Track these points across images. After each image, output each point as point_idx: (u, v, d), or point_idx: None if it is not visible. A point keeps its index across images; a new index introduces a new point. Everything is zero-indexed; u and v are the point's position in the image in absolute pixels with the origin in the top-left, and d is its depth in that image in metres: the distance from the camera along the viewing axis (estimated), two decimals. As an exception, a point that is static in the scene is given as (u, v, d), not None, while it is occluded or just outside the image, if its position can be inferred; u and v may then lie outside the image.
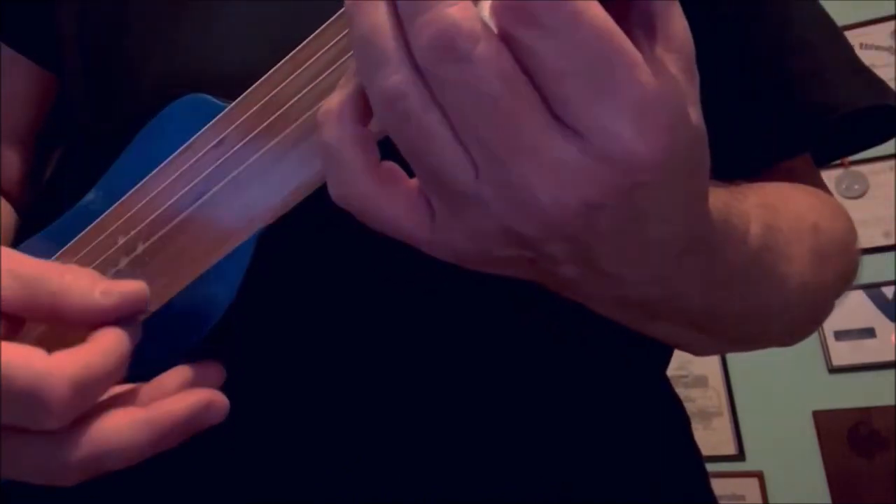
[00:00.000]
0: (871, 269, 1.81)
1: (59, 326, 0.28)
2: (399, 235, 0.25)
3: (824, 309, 0.42)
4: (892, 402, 1.78)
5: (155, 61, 0.40)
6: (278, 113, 0.31)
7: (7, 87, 0.47)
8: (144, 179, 0.34)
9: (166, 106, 0.36)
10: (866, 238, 1.83)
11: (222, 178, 0.32)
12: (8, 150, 0.49)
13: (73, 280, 0.27)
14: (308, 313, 0.36)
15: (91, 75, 0.43)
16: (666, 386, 0.46)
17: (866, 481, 1.77)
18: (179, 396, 0.28)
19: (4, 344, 0.24)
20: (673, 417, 0.45)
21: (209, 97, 0.34)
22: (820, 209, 0.41)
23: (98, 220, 0.35)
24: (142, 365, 0.29)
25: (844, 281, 0.42)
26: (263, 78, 0.31)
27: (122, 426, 0.26)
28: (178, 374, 0.30)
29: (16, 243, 0.43)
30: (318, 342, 0.36)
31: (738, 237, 0.31)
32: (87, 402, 0.26)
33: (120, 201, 0.35)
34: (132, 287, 0.28)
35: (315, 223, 0.33)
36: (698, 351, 0.39)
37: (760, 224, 0.32)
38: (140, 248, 0.33)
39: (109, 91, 0.41)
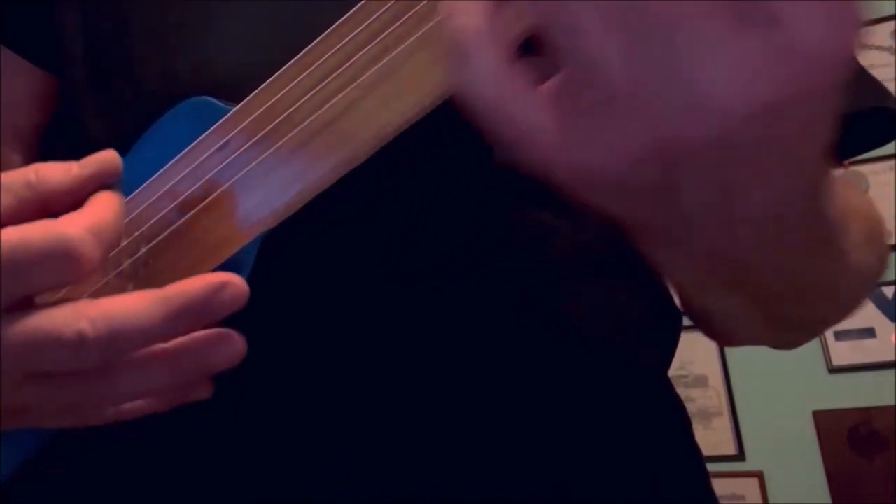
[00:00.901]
0: (871, 269, 1.80)
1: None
2: (526, 146, 0.22)
3: (863, 296, 0.42)
4: (892, 402, 1.78)
5: (156, 63, 0.40)
6: (283, 115, 0.31)
7: (8, 89, 0.48)
8: (148, 182, 0.34)
9: (168, 107, 0.36)
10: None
11: (226, 181, 0.31)
12: (10, 152, 0.49)
13: (47, 167, 0.29)
14: (310, 315, 0.37)
15: (92, 77, 0.43)
16: (667, 386, 0.46)
17: (866, 481, 1.77)
18: (194, 277, 0.27)
19: (9, 227, 0.25)
20: (674, 418, 0.45)
21: (212, 100, 0.34)
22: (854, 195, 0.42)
23: None
24: None
25: (882, 267, 0.42)
26: (269, 80, 0.31)
27: (133, 301, 0.26)
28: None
29: None
30: (321, 344, 0.36)
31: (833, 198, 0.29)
32: (107, 248, 0.26)
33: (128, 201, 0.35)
34: (104, 154, 0.30)
35: (317, 226, 0.33)
36: (741, 334, 0.39)
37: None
38: (143, 250, 0.33)
39: (111, 93, 0.42)
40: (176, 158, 0.33)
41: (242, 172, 0.31)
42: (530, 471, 0.37)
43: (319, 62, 0.30)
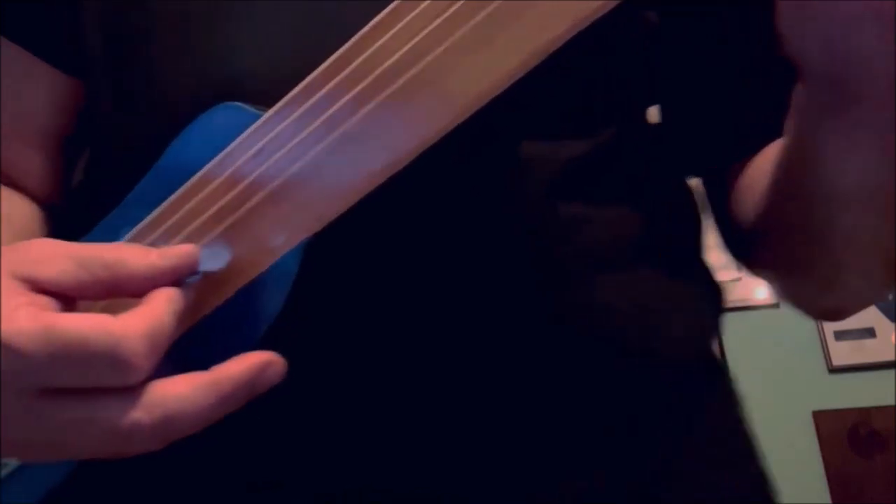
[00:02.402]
0: (872, 269, 1.80)
1: (110, 303, 0.29)
2: None
3: None
4: (892, 402, 1.78)
5: (180, 67, 0.40)
6: (321, 119, 0.31)
7: (31, 94, 0.47)
8: (181, 189, 0.34)
9: (190, 110, 0.35)
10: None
11: (265, 187, 0.31)
12: (34, 156, 0.49)
13: (127, 250, 0.29)
14: (353, 318, 0.37)
15: (115, 81, 0.43)
16: (713, 373, 0.45)
17: (866, 481, 1.77)
18: (239, 359, 0.28)
19: (72, 315, 0.26)
20: (721, 404, 0.45)
21: (242, 105, 0.34)
22: None
23: (136, 228, 0.35)
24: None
25: None
26: (324, 64, 0.31)
27: (188, 390, 0.27)
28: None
29: None
30: (363, 345, 0.37)
31: None
32: (158, 353, 0.27)
33: (157, 212, 0.34)
34: (184, 248, 0.30)
35: (357, 232, 0.33)
36: (839, 276, 0.39)
37: None
38: None
39: (135, 97, 0.41)
40: (209, 164, 0.33)
41: (275, 183, 0.31)
42: (571, 462, 0.37)
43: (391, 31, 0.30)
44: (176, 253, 0.30)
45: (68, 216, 0.47)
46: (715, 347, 0.46)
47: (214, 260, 0.33)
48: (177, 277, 0.29)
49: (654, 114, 0.49)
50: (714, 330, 0.45)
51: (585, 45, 0.29)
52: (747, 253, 0.47)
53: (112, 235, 0.35)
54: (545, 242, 0.38)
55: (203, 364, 0.29)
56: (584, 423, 0.38)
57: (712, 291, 0.45)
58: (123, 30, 0.43)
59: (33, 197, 0.48)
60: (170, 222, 0.33)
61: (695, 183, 0.50)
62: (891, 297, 1.82)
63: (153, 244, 0.33)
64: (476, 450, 0.36)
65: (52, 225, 0.48)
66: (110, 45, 0.43)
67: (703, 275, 0.45)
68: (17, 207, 0.46)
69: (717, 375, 0.45)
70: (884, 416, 1.79)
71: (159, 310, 0.27)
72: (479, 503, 0.36)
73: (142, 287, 0.28)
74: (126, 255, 0.29)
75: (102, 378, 0.26)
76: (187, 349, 0.30)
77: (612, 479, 0.37)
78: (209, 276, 0.32)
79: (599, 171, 0.40)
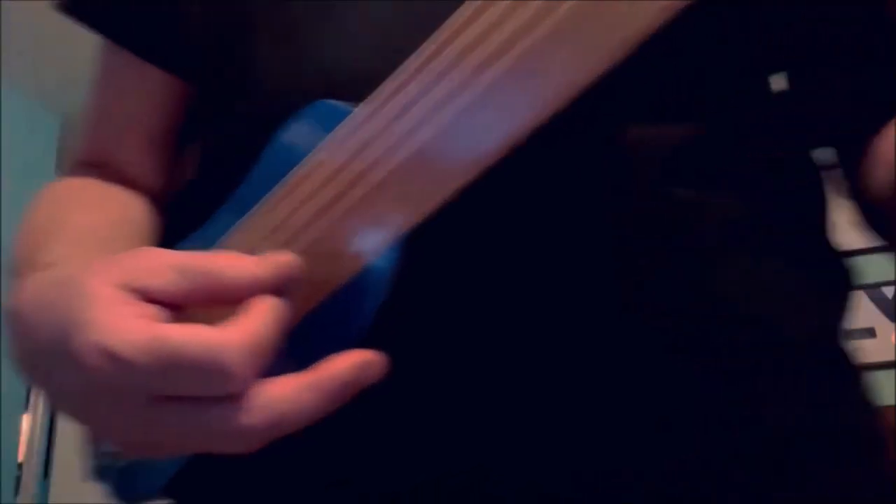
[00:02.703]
0: (872, 269, 1.81)
1: (213, 310, 0.29)
2: None
3: None
4: (892, 402, 1.79)
5: (281, 63, 0.40)
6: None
7: (137, 97, 0.49)
8: (281, 186, 0.34)
9: (294, 109, 0.36)
10: (866, 238, 1.84)
11: (360, 184, 0.31)
12: (149, 155, 0.50)
13: (226, 259, 0.29)
14: (449, 312, 0.36)
15: (215, 79, 0.44)
16: (839, 356, 0.42)
17: (868, 481, 1.77)
18: (340, 358, 0.28)
19: (177, 326, 0.27)
20: (846, 387, 0.42)
21: (336, 103, 0.34)
22: None
23: (238, 228, 0.35)
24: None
25: None
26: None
27: (292, 392, 0.27)
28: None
29: (162, 244, 0.45)
30: (457, 339, 0.36)
31: None
32: (260, 364, 0.27)
33: (258, 210, 0.35)
34: (284, 257, 0.30)
35: (456, 223, 0.32)
36: None
37: None
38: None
39: (237, 94, 0.42)
40: (304, 162, 0.33)
41: (366, 187, 0.30)
42: (687, 458, 0.36)
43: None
44: (274, 262, 0.30)
45: (181, 211, 0.48)
46: (843, 334, 0.43)
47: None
48: (275, 286, 0.30)
49: (779, 82, 0.46)
50: (842, 315, 0.43)
51: (694, 18, 0.27)
52: (887, 229, 0.45)
53: (218, 234, 0.36)
54: (657, 229, 0.37)
55: (304, 360, 0.29)
56: (705, 415, 0.36)
57: (840, 273, 0.43)
58: (224, 29, 0.43)
59: (149, 193, 0.50)
60: (271, 221, 0.34)
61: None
62: (891, 296, 1.83)
63: (256, 244, 0.34)
64: (578, 447, 0.35)
65: (166, 219, 0.49)
66: (212, 45, 0.44)
67: (830, 256, 0.43)
68: (132, 208, 0.47)
69: (845, 365, 0.43)
70: (884, 417, 1.80)
71: (259, 320, 0.28)
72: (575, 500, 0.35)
73: (243, 295, 0.29)
74: (227, 264, 0.29)
75: (206, 388, 0.27)
76: (289, 345, 0.30)
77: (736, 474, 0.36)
78: (311, 276, 0.32)
79: (714, 153, 0.38)
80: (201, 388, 0.27)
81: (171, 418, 0.27)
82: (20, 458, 2.91)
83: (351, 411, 0.29)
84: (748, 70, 0.41)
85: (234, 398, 0.27)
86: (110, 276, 0.29)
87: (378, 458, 0.37)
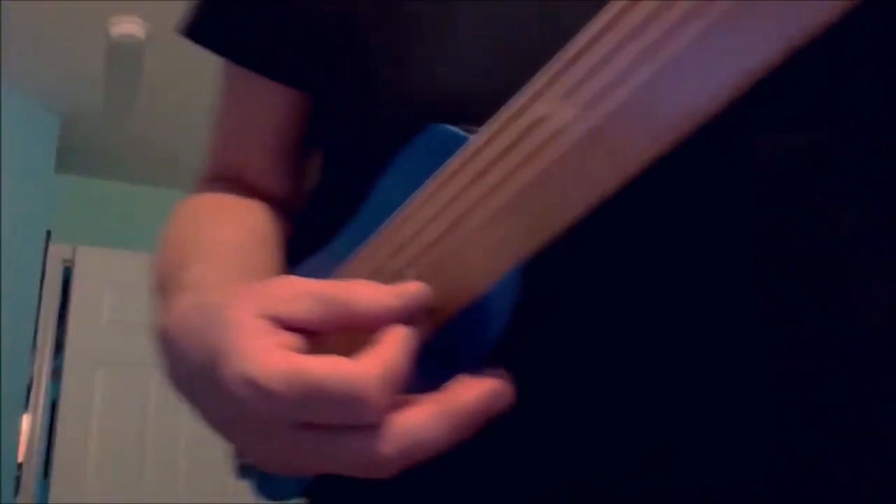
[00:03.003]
0: None
1: (349, 337, 0.31)
2: None
3: None
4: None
5: (392, 81, 0.41)
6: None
7: (260, 114, 0.51)
8: (404, 209, 0.35)
9: (409, 125, 0.36)
10: None
11: (480, 209, 0.31)
12: (276, 166, 0.53)
13: (361, 289, 0.30)
14: (578, 330, 0.37)
15: (332, 90, 0.45)
16: None
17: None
18: (471, 386, 0.29)
19: (316, 358, 0.28)
20: None
21: (452, 128, 0.34)
22: None
23: (363, 250, 0.36)
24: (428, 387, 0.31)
25: None
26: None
27: (425, 421, 0.28)
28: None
29: (291, 254, 0.47)
30: (587, 355, 0.36)
31: None
32: (393, 393, 0.28)
33: (382, 232, 0.36)
34: (415, 287, 0.31)
35: (582, 238, 0.32)
36: None
37: None
38: (410, 275, 0.34)
39: (353, 106, 0.43)
40: (428, 183, 0.33)
41: (483, 214, 0.31)
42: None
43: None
44: (406, 293, 0.31)
45: (308, 219, 0.51)
46: None
47: None
48: (408, 318, 0.31)
49: None
50: None
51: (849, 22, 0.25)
52: None
53: (344, 252, 0.38)
54: (789, 239, 0.36)
55: (431, 380, 0.30)
56: (851, 429, 0.35)
57: None
58: (338, 41, 0.44)
59: (279, 201, 0.52)
60: (395, 241, 0.35)
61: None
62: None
63: (382, 262, 0.35)
64: (713, 466, 0.35)
65: (295, 227, 0.52)
66: (328, 57, 0.45)
67: None
68: (264, 218, 0.49)
69: None
70: None
71: (392, 351, 0.29)
72: None
73: (376, 324, 0.30)
74: (361, 294, 0.30)
75: (343, 417, 0.28)
76: (421, 361, 0.31)
77: None
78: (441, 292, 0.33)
79: (849, 160, 0.37)
80: (338, 417, 0.28)
81: (310, 445, 0.29)
82: (20, 458, 2.90)
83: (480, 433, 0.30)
84: (884, 75, 0.39)
85: (369, 427, 0.28)
86: (252, 306, 0.30)
87: (497, 484, 0.38)
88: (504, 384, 0.30)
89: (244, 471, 0.47)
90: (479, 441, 0.32)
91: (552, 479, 0.36)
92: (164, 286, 0.42)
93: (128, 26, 2.34)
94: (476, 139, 0.31)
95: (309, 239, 0.45)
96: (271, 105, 0.51)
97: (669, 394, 0.35)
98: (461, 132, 0.34)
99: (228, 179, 0.54)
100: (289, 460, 0.30)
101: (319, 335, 0.31)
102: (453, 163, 0.32)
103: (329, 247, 0.42)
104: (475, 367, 0.31)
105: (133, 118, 2.97)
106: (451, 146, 0.32)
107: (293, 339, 0.29)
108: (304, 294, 0.30)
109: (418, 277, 0.33)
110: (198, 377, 0.32)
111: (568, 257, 0.33)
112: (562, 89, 0.28)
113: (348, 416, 0.28)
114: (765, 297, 0.35)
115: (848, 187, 0.37)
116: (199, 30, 0.50)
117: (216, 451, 3.29)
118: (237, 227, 0.47)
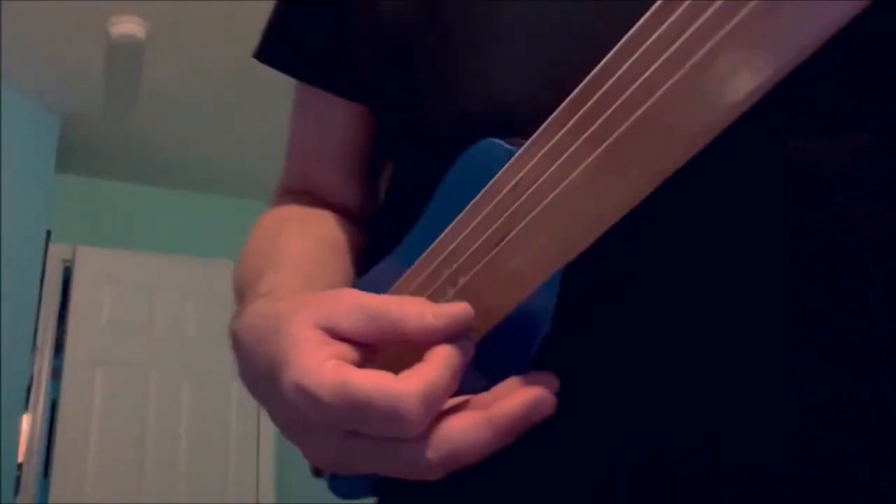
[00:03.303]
0: None
1: (401, 349, 0.33)
2: None
3: None
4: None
5: (446, 94, 0.43)
6: (568, 152, 0.31)
7: (333, 126, 0.54)
8: (455, 220, 0.37)
9: (455, 144, 0.39)
10: None
11: (522, 220, 0.33)
12: (343, 179, 0.56)
13: (409, 308, 0.32)
14: (614, 336, 0.38)
15: (391, 107, 0.48)
16: None
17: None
18: (514, 394, 0.31)
19: (364, 372, 0.30)
20: None
21: (498, 142, 0.37)
22: None
23: (420, 258, 0.39)
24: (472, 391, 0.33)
25: None
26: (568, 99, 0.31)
27: (468, 428, 0.30)
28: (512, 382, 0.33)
29: (365, 261, 0.50)
30: (625, 362, 0.38)
31: None
32: (434, 410, 0.30)
33: (437, 242, 0.38)
34: (459, 308, 0.33)
35: (616, 246, 0.33)
36: None
37: None
38: (461, 282, 0.37)
39: (412, 122, 0.45)
40: (475, 199, 0.36)
41: (533, 214, 0.33)
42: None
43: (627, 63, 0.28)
44: (451, 314, 0.32)
45: (377, 229, 0.54)
46: None
47: None
48: (451, 336, 0.32)
49: None
50: None
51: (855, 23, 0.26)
52: None
53: (403, 264, 0.41)
54: (812, 241, 0.36)
55: (474, 386, 0.33)
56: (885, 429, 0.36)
57: None
58: (393, 56, 0.47)
59: (352, 212, 0.56)
60: (446, 252, 0.37)
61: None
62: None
63: (438, 267, 0.38)
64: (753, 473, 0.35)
65: (367, 236, 0.55)
66: (386, 75, 0.47)
67: None
68: (337, 230, 0.53)
69: None
70: None
71: (435, 370, 0.30)
72: None
73: (420, 342, 0.32)
74: (408, 311, 0.32)
75: (385, 431, 0.30)
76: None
77: None
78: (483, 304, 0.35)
79: (874, 165, 0.37)
80: (381, 429, 0.30)
81: (359, 450, 0.31)
82: (20, 458, 2.90)
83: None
84: None
85: (413, 437, 0.30)
86: (310, 317, 0.33)
87: (564, 469, 0.39)
88: (546, 392, 0.31)
89: (317, 471, 0.50)
90: (545, 430, 0.34)
91: (613, 461, 0.38)
92: (242, 296, 0.46)
93: (128, 26, 2.34)
94: (518, 152, 0.34)
95: (377, 248, 0.48)
96: (336, 119, 0.54)
97: (706, 388, 0.36)
98: (506, 145, 0.36)
99: (302, 192, 0.57)
100: (342, 462, 0.33)
101: (374, 347, 0.33)
102: (498, 176, 0.35)
103: (390, 257, 0.45)
104: (521, 367, 0.33)
105: (133, 118, 2.96)
106: (497, 159, 0.35)
107: (346, 349, 0.32)
108: (358, 308, 0.32)
109: (466, 286, 0.36)
110: (263, 382, 0.35)
111: (614, 257, 0.35)
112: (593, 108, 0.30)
113: (390, 429, 0.30)
114: (792, 299, 0.36)
115: (872, 192, 0.37)
116: (266, 52, 0.54)
117: (216, 451, 3.29)
118: (307, 237, 0.50)
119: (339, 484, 0.51)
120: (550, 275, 0.33)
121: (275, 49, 0.54)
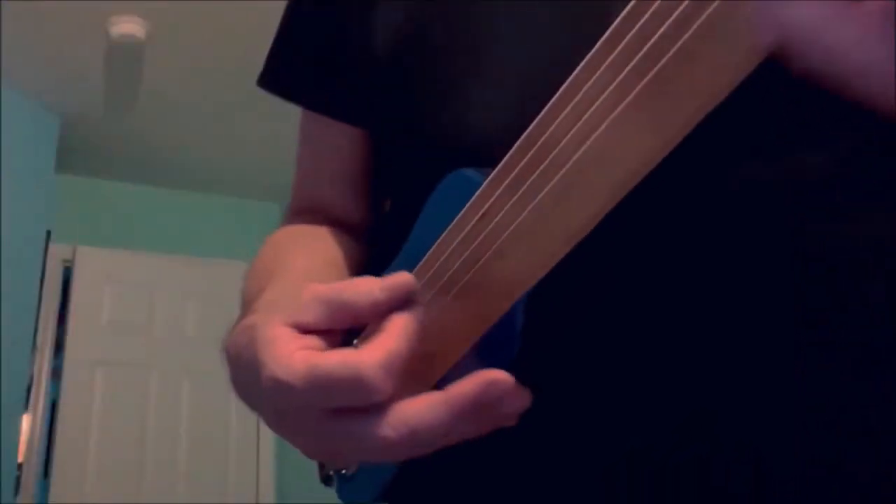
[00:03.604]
0: None
1: (421, 346, 0.34)
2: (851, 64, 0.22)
3: None
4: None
5: (437, 119, 0.45)
6: (543, 164, 0.32)
7: (334, 148, 0.58)
8: (436, 244, 0.39)
9: (450, 165, 0.41)
10: None
11: (490, 247, 0.35)
12: (347, 199, 0.59)
13: (359, 287, 0.34)
14: (588, 350, 0.39)
15: (392, 131, 0.51)
16: None
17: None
18: (469, 377, 0.32)
19: (329, 353, 0.33)
20: None
21: (469, 172, 0.39)
22: None
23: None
24: None
25: None
26: (523, 136, 0.33)
27: (424, 407, 0.31)
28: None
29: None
30: (600, 373, 0.39)
31: None
32: (395, 373, 0.32)
33: (417, 268, 0.40)
34: (399, 277, 0.35)
35: (582, 266, 0.34)
36: None
37: None
38: (448, 297, 0.39)
39: (405, 145, 0.48)
40: (448, 228, 0.38)
41: (500, 240, 0.35)
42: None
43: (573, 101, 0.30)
44: (390, 284, 0.34)
45: (376, 244, 0.57)
46: None
47: None
48: (397, 305, 0.34)
49: None
50: None
51: None
52: None
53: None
54: (819, 245, 0.37)
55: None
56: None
57: None
58: (386, 82, 0.49)
59: (356, 229, 0.59)
60: (426, 273, 0.40)
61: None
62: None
63: (423, 287, 0.39)
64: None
65: (370, 250, 0.58)
66: (387, 101, 0.50)
67: None
68: (340, 247, 0.55)
69: None
70: None
71: (389, 336, 0.33)
72: None
73: (374, 316, 0.34)
74: (350, 290, 0.35)
75: (352, 400, 0.32)
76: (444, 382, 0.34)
77: None
78: (458, 326, 0.38)
79: (872, 169, 0.37)
80: (349, 399, 0.32)
81: (334, 429, 0.33)
82: (20, 458, 2.90)
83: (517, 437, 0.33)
84: None
85: (377, 410, 0.32)
86: (279, 319, 0.35)
87: (563, 461, 0.41)
88: (502, 374, 0.32)
89: (326, 480, 0.52)
90: (541, 425, 0.35)
91: (612, 451, 0.39)
92: (244, 310, 0.48)
93: (128, 26, 2.34)
94: (486, 181, 0.36)
95: (373, 265, 0.50)
96: (337, 142, 0.58)
97: (706, 388, 0.37)
98: (476, 176, 0.38)
99: (309, 211, 0.61)
100: (324, 448, 0.35)
101: (334, 331, 0.35)
102: (469, 203, 0.37)
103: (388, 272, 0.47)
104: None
105: (133, 118, 2.96)
106: (468, 189, 0.37)
107: (313, 340, 0.34)
108: (315, 299, 0.35)
109: (458, 297, 0.38)
110: (250, 389, 0.37)
111: (614, 257, 0.37)
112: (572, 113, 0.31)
113: (357, 397, 0.32)
114: (792, 299, 0.37)
115: (872, 192, 0.37)
116: (268, 79, 0.59)
117: (216, 451, 3.29)
118: (308, 254, 0.53)
119: (346, 490, 0.52)
120: (529, 286, 0.35)
121: (275, 76, 0.59)
